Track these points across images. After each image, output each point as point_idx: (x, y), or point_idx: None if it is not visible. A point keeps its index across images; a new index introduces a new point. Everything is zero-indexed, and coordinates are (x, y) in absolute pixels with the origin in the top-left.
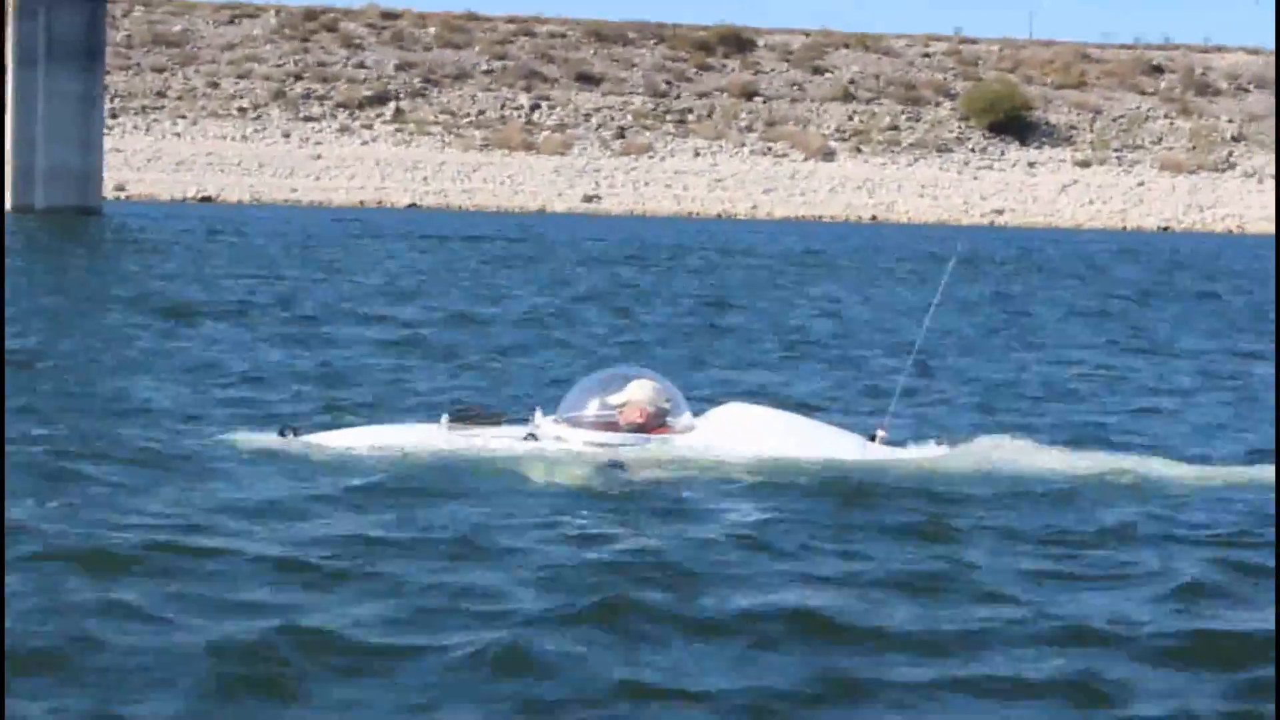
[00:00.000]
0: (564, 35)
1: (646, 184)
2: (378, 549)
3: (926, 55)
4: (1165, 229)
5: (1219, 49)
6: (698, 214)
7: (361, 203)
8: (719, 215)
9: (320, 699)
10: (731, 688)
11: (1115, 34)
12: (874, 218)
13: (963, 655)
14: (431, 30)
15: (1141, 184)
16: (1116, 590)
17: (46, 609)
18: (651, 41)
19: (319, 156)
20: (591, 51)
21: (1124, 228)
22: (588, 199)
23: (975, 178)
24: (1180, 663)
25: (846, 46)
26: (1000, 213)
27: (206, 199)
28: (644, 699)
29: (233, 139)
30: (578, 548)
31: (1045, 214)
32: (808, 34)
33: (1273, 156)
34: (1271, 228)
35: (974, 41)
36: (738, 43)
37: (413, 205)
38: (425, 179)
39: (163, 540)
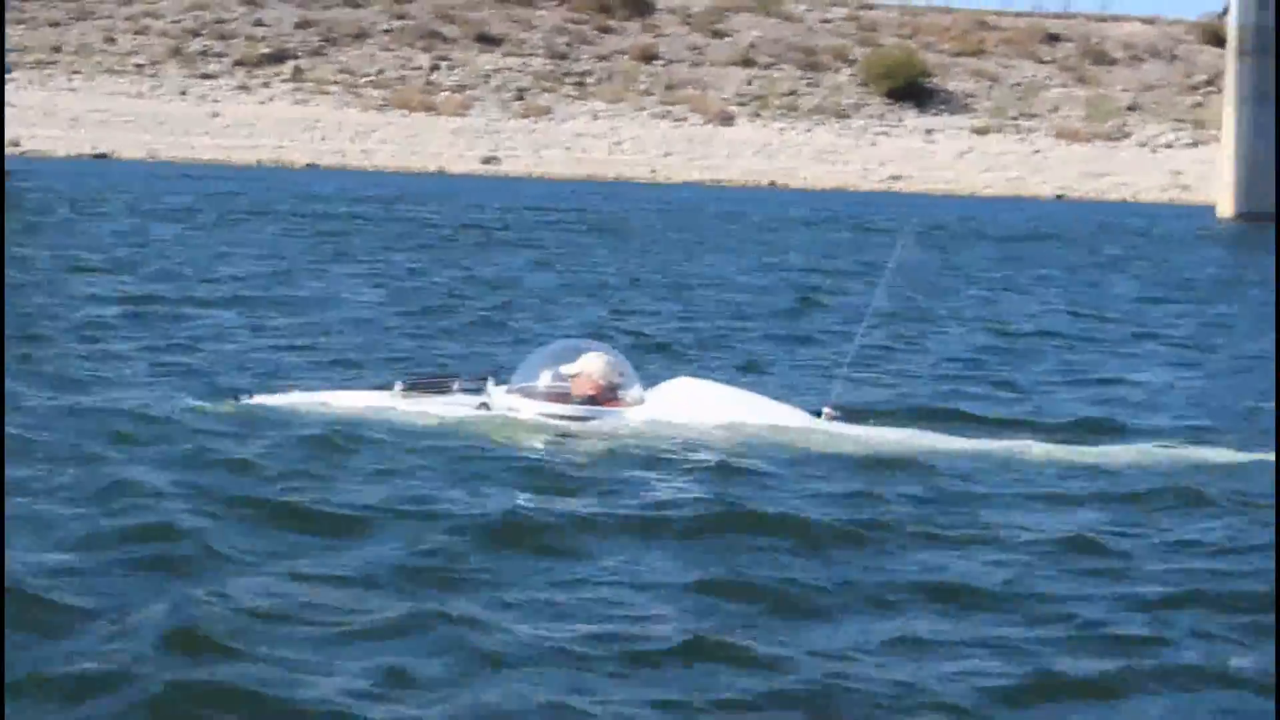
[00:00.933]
0: None
1: (546, 146)
2: (315, 511)
3: (826, 21)
4: (1060, 197)
5: (1115, 18)
6: (596, 177)
7: (259, 162)
8: (617, 178)
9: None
10: (663, 644)
11: (1013, 2)
12: (773, 183)
13: (892, 620)
14: None
15: (1037, 152)
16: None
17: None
18: (552, 3)
19: (216, 115)
20: (491, 12)
21: (1020, 195)
22: (486, 160)
23: (873, 144)
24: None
25: (746, 11)
26: (898, 179)
27: (102, 156)
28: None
29: (129, 96)
30: (512, 512)
31: (942, 180)
32: None
33: (1165, 127)
34: (1164, 196)
35: (873, 7)
36: (638, 6)
37: (311, 165)
38: (324, 138)
39: (116, 504)
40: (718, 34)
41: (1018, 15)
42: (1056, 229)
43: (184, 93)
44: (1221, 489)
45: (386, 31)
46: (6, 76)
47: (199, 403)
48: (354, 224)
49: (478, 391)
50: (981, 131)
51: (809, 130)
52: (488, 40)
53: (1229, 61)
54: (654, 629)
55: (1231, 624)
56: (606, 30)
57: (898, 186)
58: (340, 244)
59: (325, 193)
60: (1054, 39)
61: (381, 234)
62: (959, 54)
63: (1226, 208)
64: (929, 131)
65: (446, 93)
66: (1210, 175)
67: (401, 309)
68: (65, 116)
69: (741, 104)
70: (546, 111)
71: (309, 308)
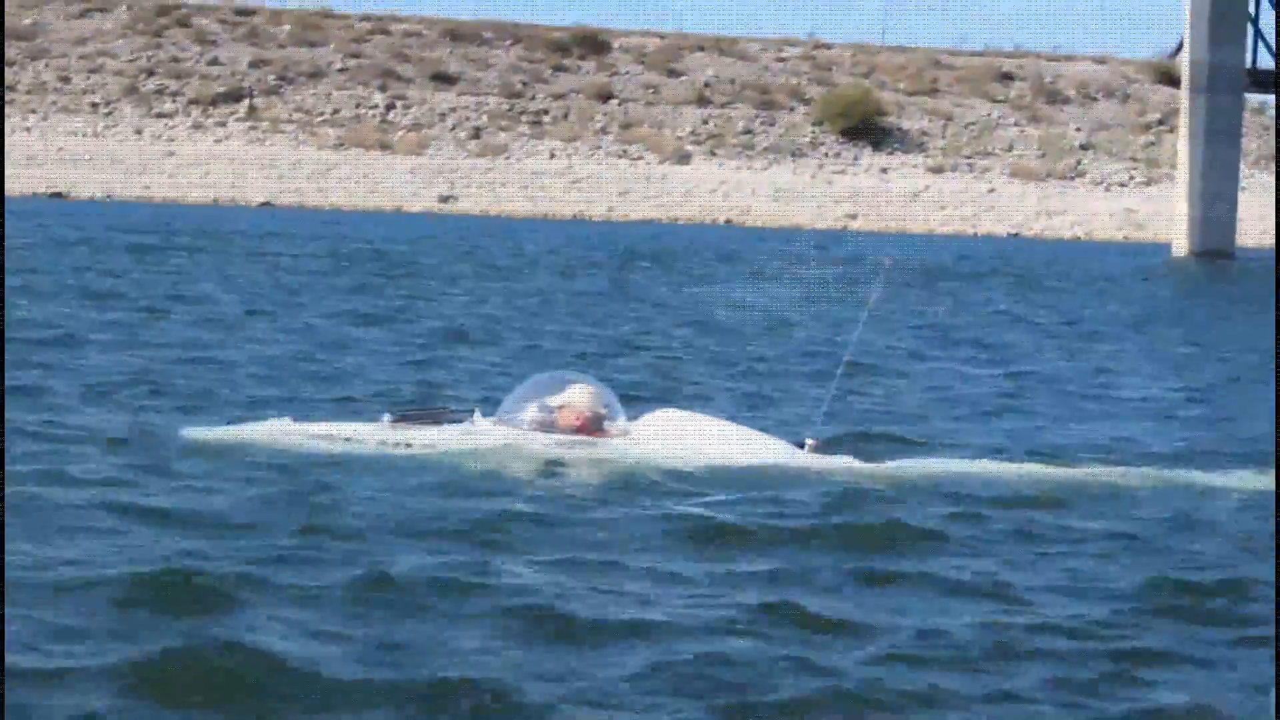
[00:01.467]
0: (420, 34)
1: (503, 185)
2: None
3: (781, 59)
4: (1015, 235)
5: (1067, 58)
6: (553, 215)
7: (215, 200)
8: (574, 217)
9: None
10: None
11: (967, 41)
12: (729, 221)
13: (873, 653)
14: (286, 27)
15: (992, 190)
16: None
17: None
18: (507, 42)
19: (172, 154)
20: (447, 51)
21: (975, 233)
22: (443, 199)
23: (829, 182)
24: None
25: (701, 49)
26: (853, 217)
27: (57, 195)
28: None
29: (84, 135)
30: (493, 543)
31: (897, 219)
32: (663, 36)
33: (1120, 165)
34: (1119, 234)
35: (828, 46)
36: (593, 44)
37: (266, 204)
38: (280, 177)
39: (114, 526)
40: (673, 73)
41: (971, 54)
42: (1017, 266)
43: (139, 131)
44: (1214, 508)
45: (342, 70)
46: None
47: (192, 430)
48: (335, 262)
49: (465, 422)
50: (936, 170)
51: (765, 168)
52: (443, 79)
53: (1183, 99)
54: (643, 641)
55: (1233, 628)
56: (562, 69)
57: (854, 225)
58: (321, 280)
59: (296, 231)
60: (1007, 78)
61: (363, 270)
62: (914, 93)
63: (1182, 246)
64: (884, 170)
65: (402, 131)
66: (1164, 213)
67: (390, 341)
68: (20, 155)
69: (697, 142)
70: (503, 150)
71: (300, 338)
